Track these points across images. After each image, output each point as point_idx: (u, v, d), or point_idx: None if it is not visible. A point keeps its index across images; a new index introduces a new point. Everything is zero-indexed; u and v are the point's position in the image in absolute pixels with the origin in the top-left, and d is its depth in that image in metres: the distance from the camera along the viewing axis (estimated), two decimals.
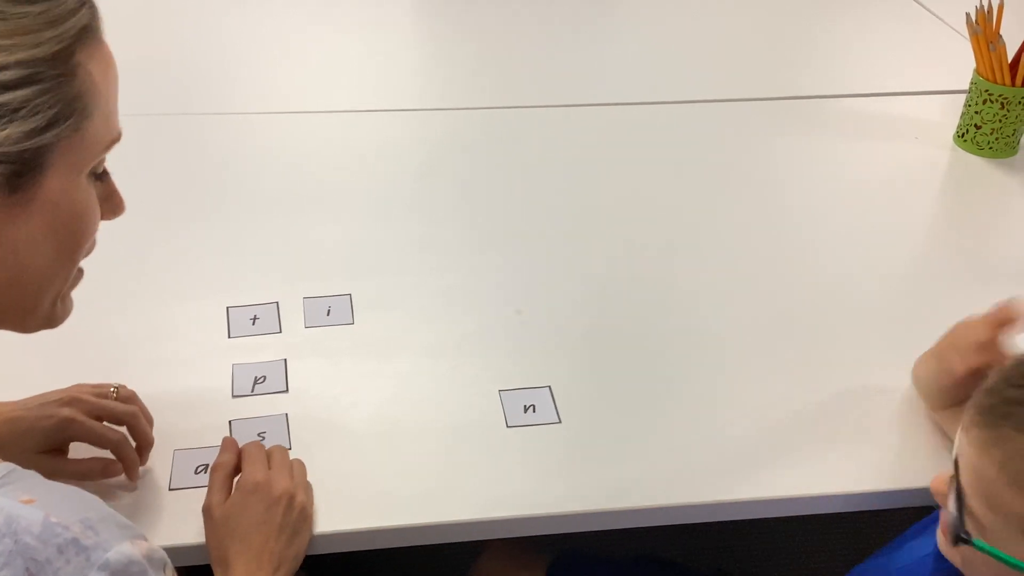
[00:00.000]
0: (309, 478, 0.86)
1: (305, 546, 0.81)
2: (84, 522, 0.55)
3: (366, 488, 0.87)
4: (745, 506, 0.87)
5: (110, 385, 0.87)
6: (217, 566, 0.78)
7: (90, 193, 0.66)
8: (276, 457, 0.84)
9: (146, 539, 0.59)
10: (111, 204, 0.69)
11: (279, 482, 0.81)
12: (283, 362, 1.00)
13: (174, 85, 1.57)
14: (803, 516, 0.90)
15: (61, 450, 0.83)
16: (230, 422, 0.93)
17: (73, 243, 0.66)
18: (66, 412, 0.81)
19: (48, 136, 0.59)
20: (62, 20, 0.60)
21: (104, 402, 0.84)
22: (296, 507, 0.81)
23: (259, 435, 0.91)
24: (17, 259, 0.62)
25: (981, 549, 0.67)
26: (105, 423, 0.84)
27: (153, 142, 1.38)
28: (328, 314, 1.07)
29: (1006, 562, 0.66)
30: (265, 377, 0.98)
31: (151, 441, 0.86)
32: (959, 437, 0.71)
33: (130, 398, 0.87)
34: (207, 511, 0.80)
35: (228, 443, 0.86)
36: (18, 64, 0.57)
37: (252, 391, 0.97)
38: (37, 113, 0.58)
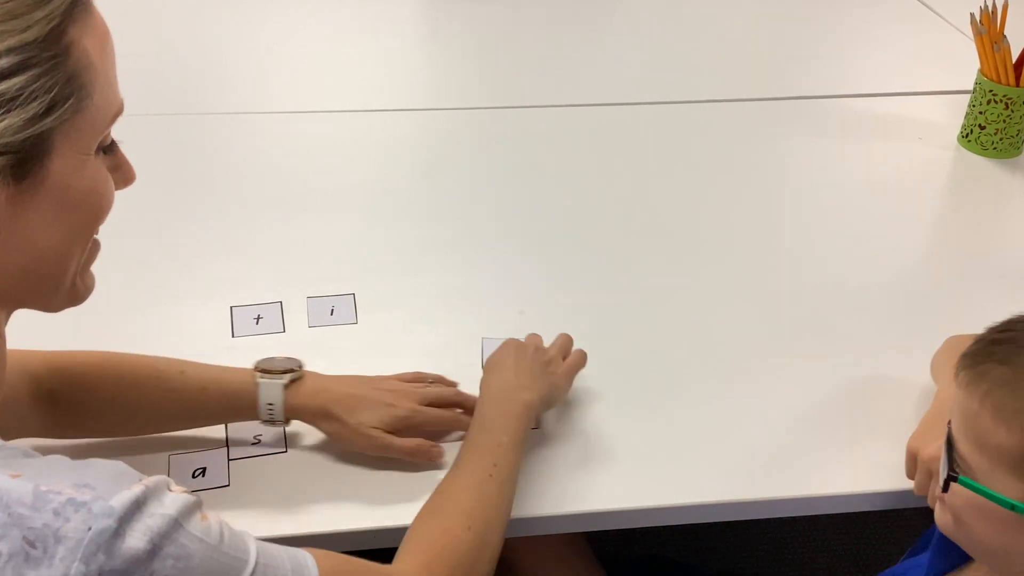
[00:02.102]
0: (313, 476, 0.87)
1: (563, 385, 0.92)
2: (76, 483, 0.55)
3: (368, 488, 0.87)
4: (750, 506, 0.87)
5: (425, 375, 0.94)
6: (485, 382, 0.88)
7: (100, 169, 0.65)
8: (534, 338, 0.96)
9: (143, 478, 0.57)
10: (122, 174, 0.68)
11: (528, 342, 0.93)
12: None
13: (177, 85, 1.57)
14: (808, 516, 0.90)
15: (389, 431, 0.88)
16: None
17: (88, 221, 0.65)
18: (409, 404, 0.88)
19: (49, 121, 0.58)
20: None
21: (432, 391, 0.92)
22: (541, 356, 0.91)
23: (255, 437, 0.91)
24: (32, 244, 0.61)
25: (966, 485, 0.69)
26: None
27: (156, 142, 1.38)
28: (332, 314, 1.07)
29: (990, 497, 0.68)
30: None
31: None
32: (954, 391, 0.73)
33: (441, 380, 0.95)
34: (485, 368, 0.91)
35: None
36: (9, 51, 0.55)
37: None
38: (35, 99, 0.57)
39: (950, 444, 0.72)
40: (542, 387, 0.88)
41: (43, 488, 0.54)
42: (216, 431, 0.91)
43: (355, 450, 0.88)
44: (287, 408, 0.87)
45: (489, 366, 0.91)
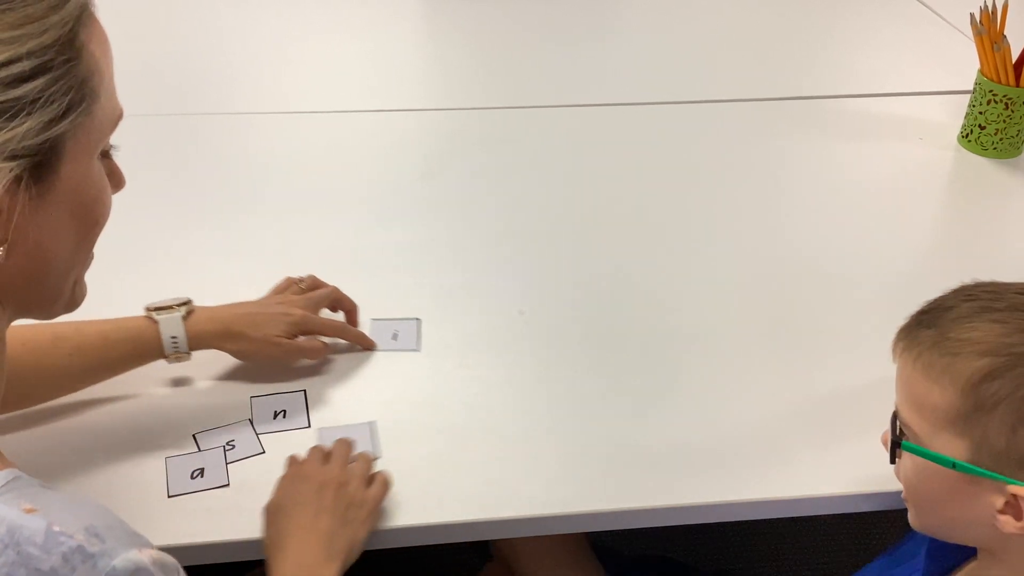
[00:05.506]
0: None
1: (362, 537, 0.80)
2: (89, 530, 0.55)
3: None
4: (747, 507, 0.87)
5: (297, 280, 1.03)
6: (271, 550, 0.78)
7: (102, 174, 0.66)
8: (334, 449, 0.86)
9: (153, 547, 0.58)
10: (114, 180, 0.69)
11: (328, 471, 0.82)
12: None
13: (177, 85, 1.57)
14: (806, 516, 0.90)
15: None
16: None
17: (92, 225, 0.66)
18: (300, 311, 0.96)
19: (65, 123, 0.58)
20: (64, 2, 0.58)
21: (314, 296, 1.00)
22: (347, 495, 0.81)
23: (258, 435, 0.91)
24: (42, 249, 0.62)
25: (909, 450, 0.72)
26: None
27: (156, 142, 1.38)
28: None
29: (932, 458, 0.70)
30: None
31: (355, 305, 1.03)
32: None
33: (315, 283, 1.02)
34: (266, 508, 0.81)
35: (292, 458, 0.86)
36: (29, 55, 0.56)
37: None
38: (53, 102, 0.57)
39: (895, 416, 0.75)
40: (344, 549, 0.78)
41: (56, 528, 0.54)
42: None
43: (261, 362, 0.96)
44: (190, 338, 0.91)
45: (277, 513, 0.79)
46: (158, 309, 0.91)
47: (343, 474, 0.82)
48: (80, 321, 0.87)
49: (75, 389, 0.91)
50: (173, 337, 0.91)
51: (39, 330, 0.86)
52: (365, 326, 1.04)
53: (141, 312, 0.92)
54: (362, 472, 0.84)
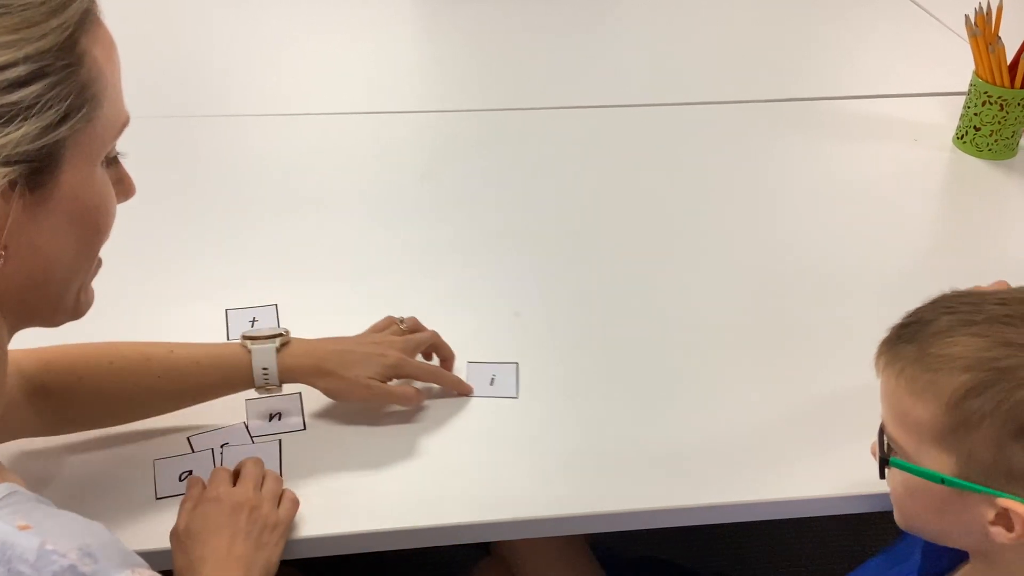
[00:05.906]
0: (309, 479, 0.86)
1: (275, 560, 0.78)
2: (82, 549, 0.54)
3: (365, 490, 0.86)
4: (746, 508, 0.87)
5: (398, 320, 0.99)
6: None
7: (106, 182, 0.65)
8: (244, 470, 0.84)
9: (148, 567, 0.57)
10: (122, 187, 0.68)
11: (240, 492, 0.80)
12: None
13: (175, 87, 1.57)
14: (803, 518, 0.90)
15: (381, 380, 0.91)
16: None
17: (94, 234, 0.65)
18: (396, 354, 0.92)
19: (63, 130, 0.58)
20: (64, 7, 0.58)
21: (413, 339, 0.96)
22: (259, 517, 0.79)
23: (253, 438, 0.91)
24: (41, 257, 0.61)
25: (898, 466, 0.72)
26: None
27: (154, 144, 1.38)
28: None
29: (921, 474, 0.70)
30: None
31: (453, 353, 0.99)
32: None
33: (416, 325, 0.99)
34: (173, 533, 0.78)
35: (193, 480, 0.84)
36: (27, 59, 0.55)
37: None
38: (50, 108, 0.56)
39: (882, 430, 0.75)
40: (264, 565, 0.76)
41: (48, 547, 0.53)
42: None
43: (350, 402, 0.93)
44: (281, 371, 0.89)
45: (188, 539, 0.76)
46: (253, 338, 0.89)
47: (256, 496, 0.80)
48: (173, 343, 0.88)
49: (163, 411, 0.90)
50: (264, 368, 0.88)
51: (129, 349, 0.87)
52: (461, 370, 1.00)
53: (144, 315, 0.91)
54: (273, 493, 0.82)
